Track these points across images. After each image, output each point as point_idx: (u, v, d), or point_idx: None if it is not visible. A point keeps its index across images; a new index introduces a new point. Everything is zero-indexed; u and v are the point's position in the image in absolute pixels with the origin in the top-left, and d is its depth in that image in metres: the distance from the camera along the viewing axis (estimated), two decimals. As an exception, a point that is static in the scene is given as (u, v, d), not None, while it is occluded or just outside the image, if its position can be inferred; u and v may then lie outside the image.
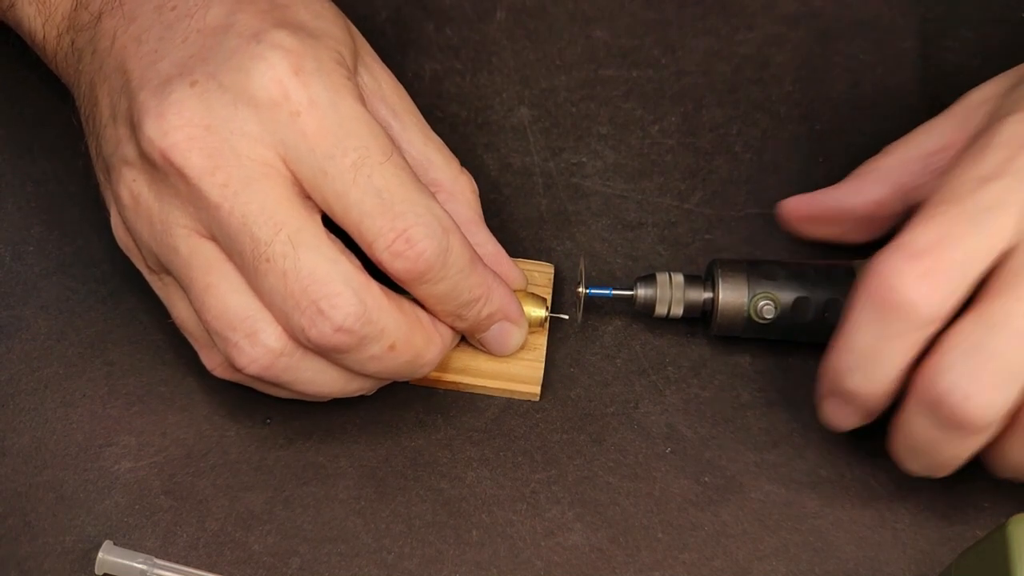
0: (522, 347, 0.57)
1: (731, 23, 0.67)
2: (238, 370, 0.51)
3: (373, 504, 0.55)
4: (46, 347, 0.57)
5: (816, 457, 0.57)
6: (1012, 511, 0.55)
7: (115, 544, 0.53)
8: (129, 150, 0.50)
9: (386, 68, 0.56)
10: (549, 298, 0.59)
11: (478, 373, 0.57)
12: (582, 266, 0.58)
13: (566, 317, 0.59)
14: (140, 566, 0.52)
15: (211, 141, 0.49)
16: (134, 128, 0.50)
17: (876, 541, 0.55)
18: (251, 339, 0.50)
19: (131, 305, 0.58)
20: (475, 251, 0.52)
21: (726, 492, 0.56)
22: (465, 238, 0.52)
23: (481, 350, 0.57)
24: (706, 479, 0.56)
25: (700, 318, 0.58)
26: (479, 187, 0.57)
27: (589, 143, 0.64)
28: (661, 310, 0.58)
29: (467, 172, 0.57)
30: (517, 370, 0.58)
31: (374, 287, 0.50)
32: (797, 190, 0.63)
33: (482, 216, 0.57)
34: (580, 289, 0.58)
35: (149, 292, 0.55)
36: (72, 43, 0.54)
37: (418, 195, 0.50)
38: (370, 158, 0.49)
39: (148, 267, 0.53)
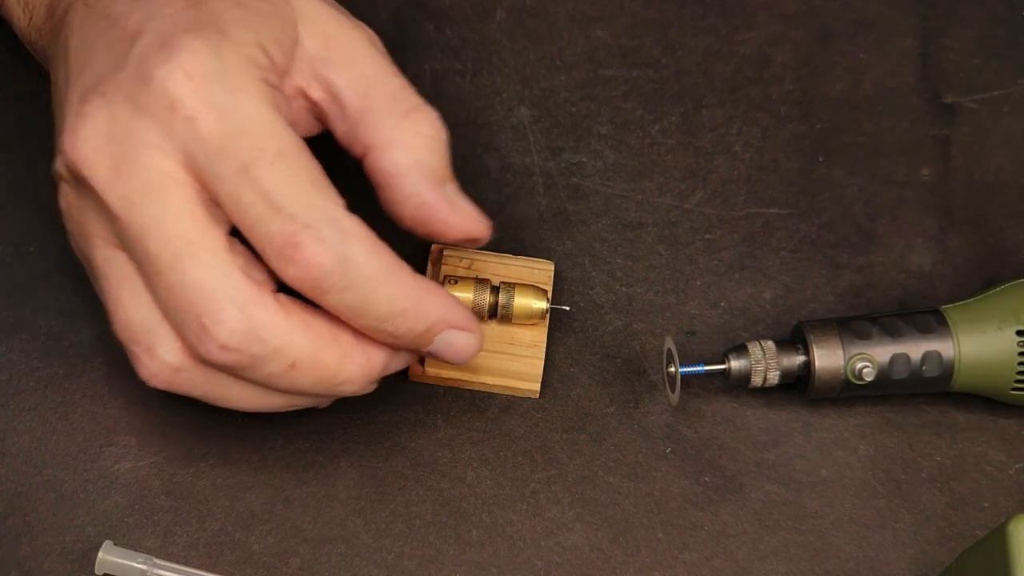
0: (521, 344, 0.58)
1: (731, 23, 0.67)
2: (147, 382, 0.50)
3: (373, 504, 0.55)
4: (46, 347, 0.57)
5: (816, 457, 0.57)
6: (1012, 511, 0.55)
7: (115, 544, 0.53)
8: (58, 163, 0.50)
9: (353, 27, 0.52)
10: (549, 292, 0.59)
11: (478, 370, 0.57)
12: (671, 345, 0.56)
13: (567, 308, 0.59)
14: (140, 566, 0.52)
15: (115, 152, 0.48)
16: (58, 143, 0.50)
17: (876, 541, 0.55)
18: (149, 353, 0.49)
19: (131, 305, 0.58)
20: (395, 259, 0.49)
21: (726, 492, 0.56)
22: (378, 245, 0.49)
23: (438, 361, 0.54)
24: (706, 479, 0.56)
25: (794, 384, 0.57)
26: (479, 187, 0.57)
27: (589, 143, 0.64)
28: (757, 380, 0.56)
29: (423, 112, 0.52)
30: (517, 367, 0.58)
31: (268, 304, 0.48)
32: (797, 190, 0.63)
33: (430, 164, 0.52)
34: (671, 369, 0.56)
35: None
36: (45, 47, 0.54)
37: (313, 197, 0.48)
38: (261, 159, 0.47)
39: (88, 272, 0.52)
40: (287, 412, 0.56)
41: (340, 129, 0.52)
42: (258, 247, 0.48)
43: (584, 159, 0.63)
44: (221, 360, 0.48)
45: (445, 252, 0.60)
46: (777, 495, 0.56)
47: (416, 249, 0.60)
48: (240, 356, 0.48)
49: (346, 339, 0.50)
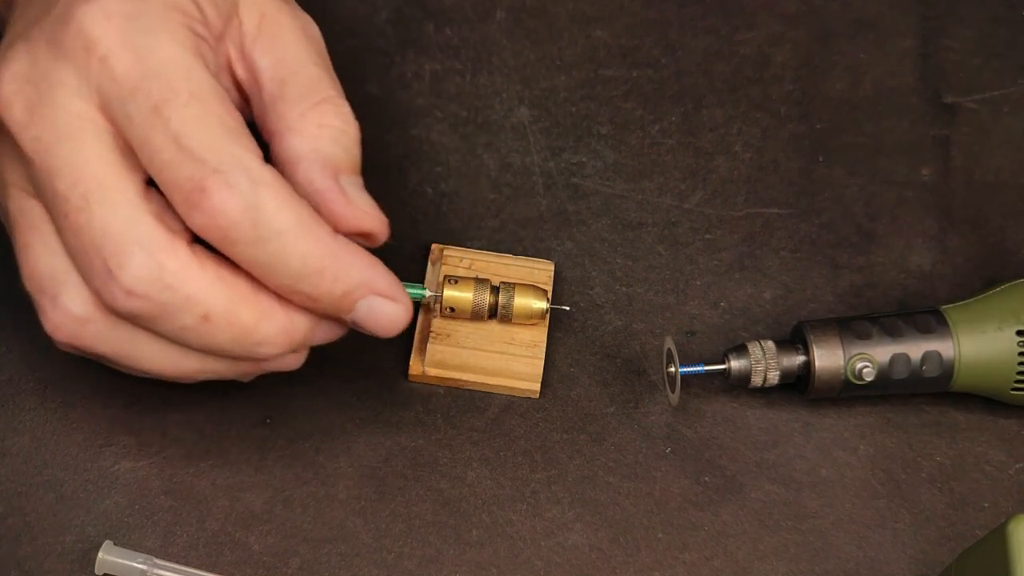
0: (521, 344, 0.58)
1: (731, 22, 0.67)
2: (52, 336, 0.49)
3: (373, 504, 0.55)
4: (46, 347, 0.57)
5: (816, 457, 0.57)
6: (1012, 511, 0.55)
7: (115, 544, 0.53)
8: None
9: (291, 13, 0.51)
10: (549, 292, 0.59)
11: (478, 370, 0.57)
12: (671, 345, 0.56)
13: (567, 308, 0.59)
14: (140, 566, 0.52)
15: (32, 94, 0.47)
16: None
17: (876, 541, 0.55)
18: (53, 302, 0.48)
19: (131, 305, 0.58)
20: (311, 216, 0.47)
21: (726, 492, 0.56)
22: (293, 198, 0.47)
23: (365, 333, 0.52)
24: (706, 479, 0.56)
25: (794, 384, 0.57)
26: (479, 187, 0.57)
27: (589, 143, 0.64)
28: (757, 380, 0.56)
29: (332, 103, 0.51)
30: (517, 367, 0.58)
31: (181, 251, 0.46)
32: (797, 190, 0.63)
33: (329, 154, 0.50)
34: (671, 368, 0.56)
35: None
36: (3, 12, 0.53)
37: (224, 143, 0.46)
38: (173, 101, 0.46)
39: (7, 227, 0.51)
40: (287, 411, 0.56)
41: (255, 112, 0.51)
42: (168, 193, 0.46)
43: (584, 159, 0.63)
44: (127, 307, 0.46)
45: (445, 252, 0.60)
46: (777, 495, 0.56)
47: (416, 249, 0.60)
48: (148, 304, 0.46)
49: (265, 298, 0.48)
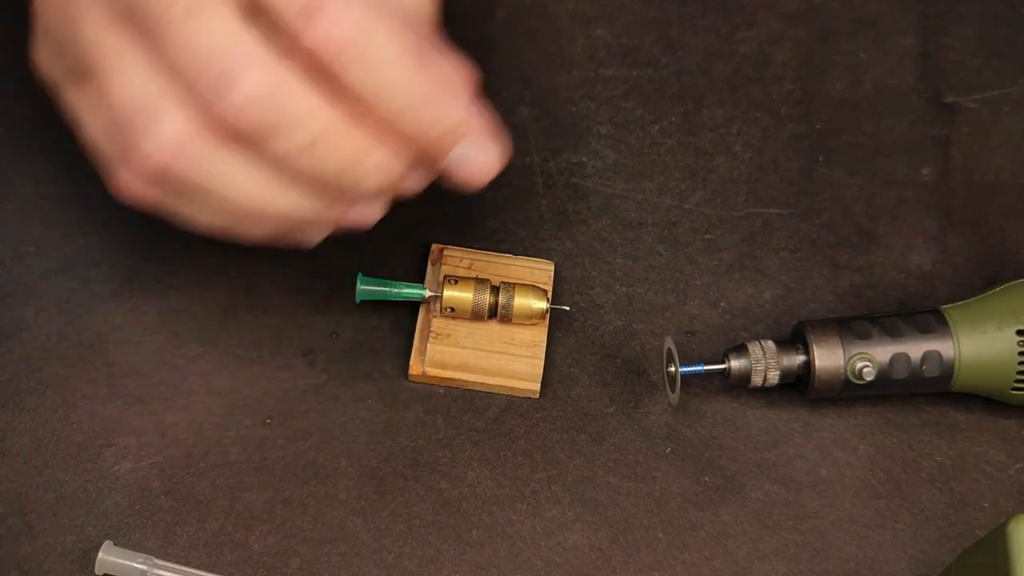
0: (521, 344, 0.58)
1: (731, 21, 0.67)
2: (143, 166, 0.46)
3: (373, 504, 0.55)
4: (46, 347, 0.57)
5: (816, 457, 0.57)
6: (1012, 511, 0.55)
7: (115, 544, 0.53)
8: None
9: None
10: (549, 292, 0.59)
11: (477, 370, 0.57)
12: (671, 345, 0.56)
13: (567, 308, 0.59)
14: (140, 566, 0.52)
15: None
16: None
17: (876, 541, 0.56)
18: (147, 128, 0.46)
19: (132, 305, 0.58)
20: (419, 52, 0.46)
21: (726, 492, 0.56)
22: (404, 32, 0.46)
23: (451, 186, 0.50)
24: (706, 479, 0.56)
25: (794, 384, 0.57)
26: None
27: (589, 143, 0.64)
28: (757, 380, 0.56)
29: None
30: (517, 367, 0.58)
31: (290, 70, 0.45)
32: (797, 190, 0.63)
33: (420, 20, 0.49)
34: (671, 368, 0.56)
35: (150, 291, 0.55)
36: None
37: None
38: None
39: (68, 79, 0.49)
40: (286, 412, 0.56)
41: None
42: (279, 10, 0.45)
43: (584, 159, 0.63)
44: (239, 123, 0.45)
45: (445, 252, 0.60)
46: (777, 495, 0.56)
47: (415, 247, 0.60)
48: (261, 119, 0.45)
49: (367, 129, 0.47)
